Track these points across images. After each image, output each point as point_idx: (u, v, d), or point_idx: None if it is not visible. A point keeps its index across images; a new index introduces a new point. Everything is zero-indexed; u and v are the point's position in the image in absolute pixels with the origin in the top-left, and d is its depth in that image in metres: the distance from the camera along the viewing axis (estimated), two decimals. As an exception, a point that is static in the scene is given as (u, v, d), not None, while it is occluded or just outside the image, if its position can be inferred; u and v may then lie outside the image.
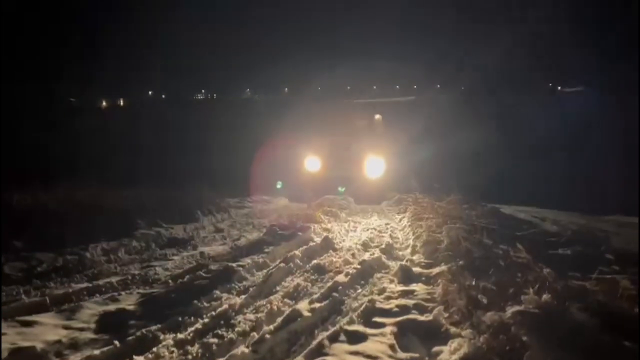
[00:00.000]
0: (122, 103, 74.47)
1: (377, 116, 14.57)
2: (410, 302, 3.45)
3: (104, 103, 71.47)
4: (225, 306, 3.28)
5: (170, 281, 4.03)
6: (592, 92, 65.89)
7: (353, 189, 11.63)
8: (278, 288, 3.85)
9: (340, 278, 3.92)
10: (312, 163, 12.54)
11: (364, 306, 3.27)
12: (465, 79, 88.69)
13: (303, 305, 3.20)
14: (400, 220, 8.27)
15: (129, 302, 3.55)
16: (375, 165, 12.31)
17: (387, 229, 7.33)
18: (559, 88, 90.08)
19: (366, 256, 5.02)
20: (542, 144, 21.14)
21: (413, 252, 5.32)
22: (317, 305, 3.25)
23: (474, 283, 3.23)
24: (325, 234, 6.06)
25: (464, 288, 3.21)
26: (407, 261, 4.69)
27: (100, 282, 3.95)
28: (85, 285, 3.83)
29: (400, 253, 5.54)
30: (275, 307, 3.26)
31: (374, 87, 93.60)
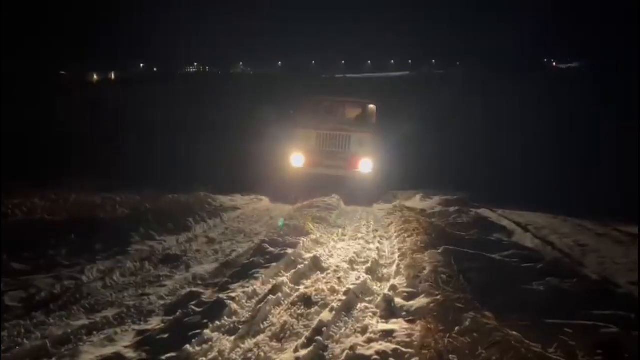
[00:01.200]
0: (113, 77, 73.70)
1: (371, 106, 13.39)
2: (390, 346, 3.69)
3: (95, 77, 70.74)
4: (214, 353, 3.50)
5: (163, 316, 4.24)
6: (591, 67, 62.77)
7: (342, 187, 11.30)
8: (266, 325, 4.09)
9: (325, 316, 4.15)
10: (296, 159, 11.91)
11: (345, 354, 3.50)
12: (461, 55, 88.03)
13: (288, 356, 3.44)
14: (389, 225, 8.52)
15: (124, 342, 3.76)
16: (367, 161, 11.87)
17: (374, 238, 7.57)
18: (554, 63, 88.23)
19: (352, 278, 5.32)
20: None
21: (397, 273, 5.58)
22: (301, 353, 3.48)
23: (445, 338, 3.46)
24: (313, 252, 6.29)
25: (435, 340, 3.45)
26: (390, 289, 4.93)
27: (97, 317, 4.15)
28: (82, 322, 4.03)
29: (385, 271, 5.82)
30: (262, 354, 3.51)
31: (369, 61, 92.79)
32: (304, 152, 11.84)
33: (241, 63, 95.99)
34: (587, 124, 22.81)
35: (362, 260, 6.31)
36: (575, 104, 28.73)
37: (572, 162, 16.44)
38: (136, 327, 4.05)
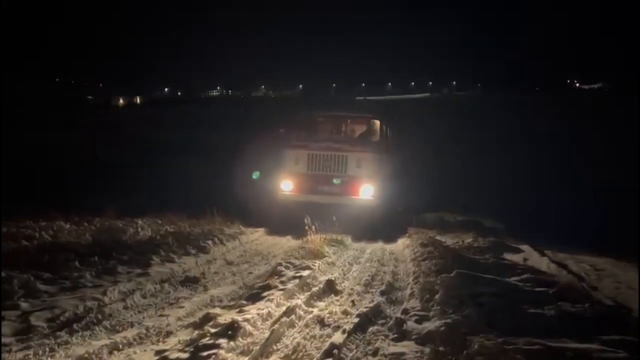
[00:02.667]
0: (138, 101, 75.65)
1: (375, 121, 11.59)
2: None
3: (121, 101, 72.73)
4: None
5: (180, 337, 4.39)
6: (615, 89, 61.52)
7: (344, 219, 9.30)
8: (279, 346, 4.20)
9: (337, 338, 4.25)
10: (285, 185, 10.30)
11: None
12: (482, 75, 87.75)
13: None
14: (404, 249, 8.55)
15: (143, 363, 3.92)
16: (368, 187, 9.92)
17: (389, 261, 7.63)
18: (577, 84, 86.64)
19: (366, 301, 5.42)
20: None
21: (411, 296, 5.67)
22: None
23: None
24: (328, 274, 6.41)
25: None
26: (402, 312, 5.01)
27: (118, 337, 4.32)
28: (104, 342, 4.19)
29: (399, 294, 5.91)
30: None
31: (389, 83, 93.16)
32: (293, 175, 10.21)
33: (263, 86, 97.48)
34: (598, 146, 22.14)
35: (377, 282, 6.42)
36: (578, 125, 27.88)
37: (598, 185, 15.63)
38: (155, 347, 4.21)
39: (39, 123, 32.19)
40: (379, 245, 9.12)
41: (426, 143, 22.07)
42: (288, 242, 9.20)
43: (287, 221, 9.73)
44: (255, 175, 10.89)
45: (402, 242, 9.23)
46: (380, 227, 9.88)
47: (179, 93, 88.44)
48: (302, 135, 11.03)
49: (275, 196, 10.32)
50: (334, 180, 10.01)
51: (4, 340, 4.11)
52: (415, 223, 10.48)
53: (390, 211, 10.63)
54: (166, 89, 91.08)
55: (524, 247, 8.55)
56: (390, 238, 9.68)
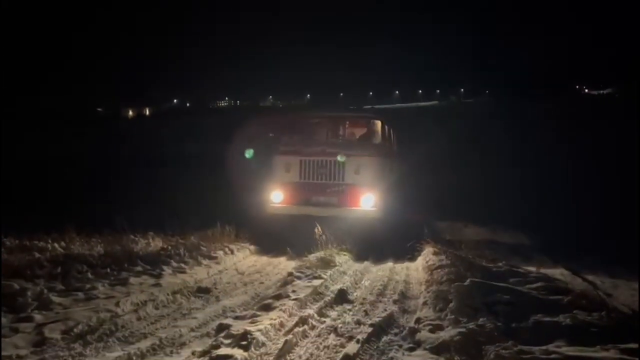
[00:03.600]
0: (147, 112, 76.25)
1: (376, 122, 10.32)
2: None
3: (130, 112, 73.34)
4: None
5: (194, 347, 4.39)
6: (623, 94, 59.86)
7: (343, 234, 8.47)
8: (293, 356, 4.19)
9: (351, 348, 4.23)
10: (275, 195, 9.37)
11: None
12: (490, 82, 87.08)
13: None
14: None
15: (157, 374, 3.91)
16: (369, 196, 8.92)
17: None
18: (585, 90, 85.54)
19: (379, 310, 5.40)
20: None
21: (424, 305, 5.63)
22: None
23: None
24: (340, 284, 6.39)
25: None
26: (415, 322, 4.98)
27: (131, 349, 4.32)
28: (117, 354, 4.19)
29: (412, 303, 5.87)
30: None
31: (397, 92, 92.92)
32: (283, 185, 9.26)
33: (270, 96, 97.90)
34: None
35: (389, 292, 6.40)
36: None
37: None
38: (168, 358, 4.21)
39: (46, 136, 32.45)
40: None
41: (443, 148, 21.47)
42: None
43: (280, 236, 8.99)
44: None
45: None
46: (385, 242, 8.97)
47: (188, 104, 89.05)
48: (294, 139, 9.96)
49: (265, 208, 9.35)
50: (330, 190, 9.02)
51: (20, 352, 4.13)
52: (429, 236, 8.43)
53: (396, 224, 9.45)
54: (175, 100, 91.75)
55: (559, 270, 7.58)
56: (399, 256, 8.61)
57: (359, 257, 8.45)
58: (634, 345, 3.81)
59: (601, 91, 77.93)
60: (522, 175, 17.00)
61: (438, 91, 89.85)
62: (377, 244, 8.85)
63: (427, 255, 7.95)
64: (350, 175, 8.94)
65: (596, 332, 4.25)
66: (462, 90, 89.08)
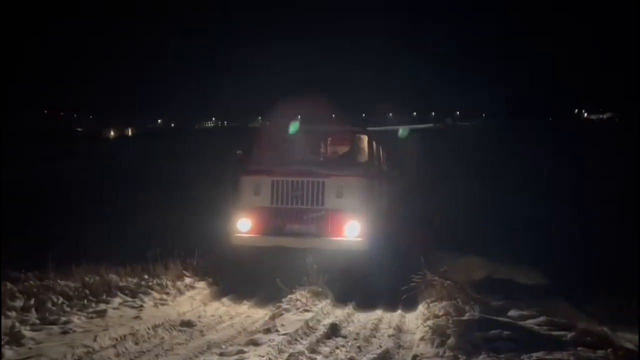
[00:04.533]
0: (130, 132, 75.29)
1: (362, 136, 9.05)
2: None
3: (112, 133, 72.24)
4: None
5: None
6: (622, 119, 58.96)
7: (326, 265, 7.20)
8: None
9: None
10: (242, 224, 7.97)
11: None
12: (486, 105, 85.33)
13: None
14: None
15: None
16: (353, 224, 7.62)
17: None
18: (585, 114, 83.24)
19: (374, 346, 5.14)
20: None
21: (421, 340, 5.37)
22: None
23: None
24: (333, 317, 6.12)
25: None
26: (412, 359, 4.73)
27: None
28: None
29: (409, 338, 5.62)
30: None
31: (390, 114, 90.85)
32: (252, 211, 7.91)
33: (259, 117, 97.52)
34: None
35: (385, 326, 6.14)
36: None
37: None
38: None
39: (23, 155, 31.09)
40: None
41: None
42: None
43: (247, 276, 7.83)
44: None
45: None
46: (373, 280, 7.66)
47: (172, 125, 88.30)
48: (265, 156, 8.75)
49: (230, 239, 8.01)
50: (307, 216, 7.77)
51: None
52: (427, 269, 7.25)
53: (385, 256, 8.06)
54: (159, 120, 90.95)
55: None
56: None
57: (340, 299, 7.32)
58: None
59: (600, 115, 76.31)
60: (521, 199, 16.44)
61: (433, 113, 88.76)
62: (362, 283, 7.72)
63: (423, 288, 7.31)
64: (332, 199, 7.69)
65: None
66: (458, 113, 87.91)
